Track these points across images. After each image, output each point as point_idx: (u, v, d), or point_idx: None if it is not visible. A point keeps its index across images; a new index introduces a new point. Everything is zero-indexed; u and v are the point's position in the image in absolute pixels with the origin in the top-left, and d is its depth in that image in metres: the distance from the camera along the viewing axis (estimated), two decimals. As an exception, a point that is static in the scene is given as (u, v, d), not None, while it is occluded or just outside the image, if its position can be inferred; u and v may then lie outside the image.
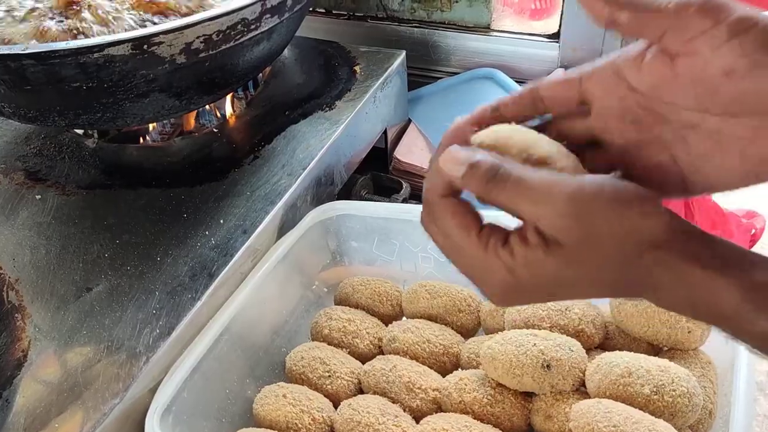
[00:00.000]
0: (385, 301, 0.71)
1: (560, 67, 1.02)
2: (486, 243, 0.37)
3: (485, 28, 1.06)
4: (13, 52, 0.61)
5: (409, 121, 1.01)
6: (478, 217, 0.39)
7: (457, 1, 1.05)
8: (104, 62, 0.64)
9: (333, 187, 0.85)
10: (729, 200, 1.15)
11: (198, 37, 0.67)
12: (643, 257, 0.35)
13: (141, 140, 0.86)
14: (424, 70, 1.11)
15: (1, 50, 0.62)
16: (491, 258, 0.37)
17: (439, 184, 0.39)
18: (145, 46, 0.64)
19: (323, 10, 1.14)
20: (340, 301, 0.73)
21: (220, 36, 0.68)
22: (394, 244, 0.74)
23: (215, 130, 0.86)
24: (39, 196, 0.77)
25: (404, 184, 0.92)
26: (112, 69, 0.65)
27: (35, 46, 0.62)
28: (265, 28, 0.72)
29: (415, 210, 0.76)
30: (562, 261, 0.36)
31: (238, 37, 0.70)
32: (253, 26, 0.71)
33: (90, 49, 0.62)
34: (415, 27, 1.09)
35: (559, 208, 0.35)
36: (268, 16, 0.71)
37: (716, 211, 1.09)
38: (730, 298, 0.34)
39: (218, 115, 0.89)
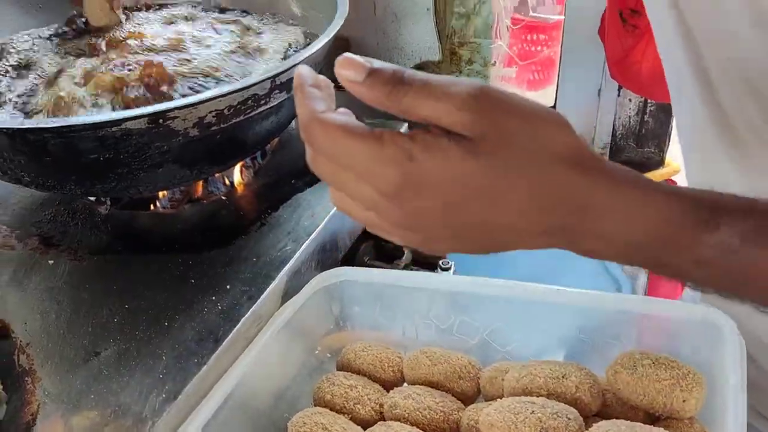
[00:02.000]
0: (387, 367, 0.72)
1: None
2: (380, 136, 0.35)
3: (484, 101, 1.10)
4: (34, 126, 0.65)
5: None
6: (364, 125, 0.36)
7: (457, 75, 1.10)
8: (122, 135, 0.67)
9: (337, 253, 0.87)
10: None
11: (210, 112, 0.70)
12: (568, 174, 0.33)
13: (151, 207, 0.89)
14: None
15: (24, 124, 0.65)
16: (387, 148, 0.34)
17: (312, 104, 0.37)
18: (161, 120, 0.68)
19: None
20: (343, 367, 0.74)
21: (231, 110, 0.72)
22: (396, 310, 0.76)
23: (223, 197, 0.89)
24: (51, 261, 0.79)
25: (405, 251, 0.95)
26: (128, 141, 0.68)
27: (56, 121, 0.66)
28: (274, 103, 0.76)
29: (416, 277, 0.78)
30: (468, 153, 0.32)
31: (248, 111, 0.74)
32: (262, 101, 0.75)
33: (109, 124, 0.66)
34: (417, 99, 1.14)
35: (462, 101, 0.32)
36: (277, 91, 0.76)
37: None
38: (671, 213, 0.33)
39: (227, 182, 0.92)
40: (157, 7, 1.01)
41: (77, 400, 0.62)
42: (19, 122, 0.65)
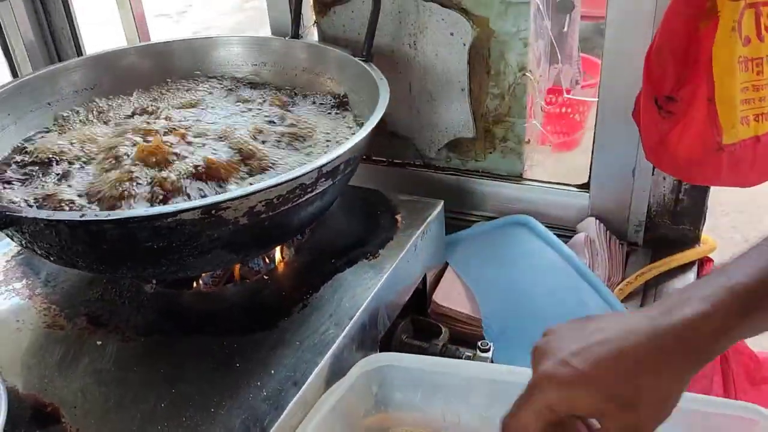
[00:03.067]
0: (430, 454, 0.72)
1: (591, 215, 1.07)
2: None
3: (518, 177, 1.12)
4: (95, 218, 0.67)
5: (446, 264, 1.06)
6: None
7: (491, 152, 1.12)
8: (176, 225, 0.70)
9: (377, 332, 0.88)
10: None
11: (260, 202, 0.73)
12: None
13: (194, 285, 0.91)
14: (459, 213, 1.16)
15: (85, 216, 0.68)
16: None
17: None
18: (213, 211, 0.70)
19: (365, 157, 1.22)
20: (385, 453, 0.74)
21: (280, 199, 0.75)
22: (437, 395, 0.76)
23: (265, 276, 0.91)
24: (99, 342, 0.81)
25: (443, 329, 0.95)
26: (181, 231, 0.71)
27: (115, 213, 0.69)
28: (320, 190, 0.79)
29: (458, 365, 0.78)
30: None
31: (296, 199, 0.76)
32: (309, 189, 0.77)
33: (165, 216, 0.68)
34: (451, 175, 1.16)
35: None
36: (323, 180, 0.78)
37: (750, 357, 1.09)
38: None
39: (267, 260, 0.94)
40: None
41: (128, 490, 0.63)
42: (80, 215, 0.68)
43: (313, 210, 0.82)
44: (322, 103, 1.01)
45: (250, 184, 0.80)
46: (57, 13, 1.24)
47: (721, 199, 2.98)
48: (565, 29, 1.56)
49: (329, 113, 0.99)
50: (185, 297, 0.89)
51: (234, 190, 0.76)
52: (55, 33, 1.25)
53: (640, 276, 0.99)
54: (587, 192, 1.07)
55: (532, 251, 1.01)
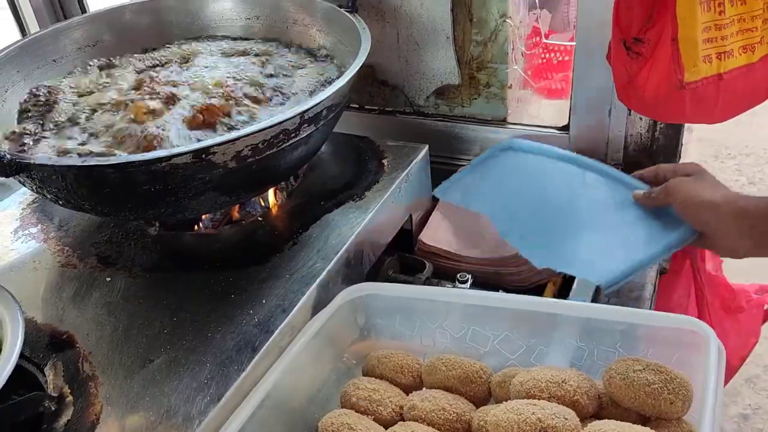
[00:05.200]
0: (407, 372, 0.80)
1: (571, 155, 1.12)
2: None
3: (502, 121, 1.17)
4: (96, 164, 0.74)
5: (434, 206, 1.12)
6: None
7: (476, 98, 1.17)
8: (170, 169, 0.76)
9: (362, 267, 0.95)
10: (738, 275, 1.21)
11: (247, 146, 0.79)
12: None
13: (195, 227, 0.99)
14: (448, 158, 1.22)
15: (87, 162, 0.75)
16: None
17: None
18: (203, 155, 0.77)
19: (357, 106, 1.27)
20: (367, 373, 0.82)
21: (265, 144, 0.81)
22: (416, 321, 0.84)
23: (260, 218, 0.98)
24: (109, 279, 0.89)
25: (427, 265, 1.02)
26: (175, 174, 0.77)
27: (114, 158, 0.76)
28: (303, 135, 0.85)
29: (432, 292, 0.85)
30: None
31: (280, 144, 0.82)
32: (293, 134, 0.83)
33: (159, 160, 0.75)
34: (439, 120, 1.21)
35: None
36: (305, 125, 0.84)
37: (726, 288, 1.15)
38: None
39: (262, 204, 1.01)
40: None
41: (135, 402, 0.71)
42: (82, 160, 0.75)
43: (299, 154, 0.89)
44: (308, 54, 1.06)
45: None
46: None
47: (727, 142, 2.99)
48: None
49: (314, 63, 1.04)
50: (186, 238, 0.97)
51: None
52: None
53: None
54: (567, 133, 1.12)
55: (527, 164, 0.97)
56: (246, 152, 0.80)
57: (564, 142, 1.12)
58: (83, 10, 1.31)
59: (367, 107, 1.27)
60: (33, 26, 1.27)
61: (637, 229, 0.81)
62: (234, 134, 0.77)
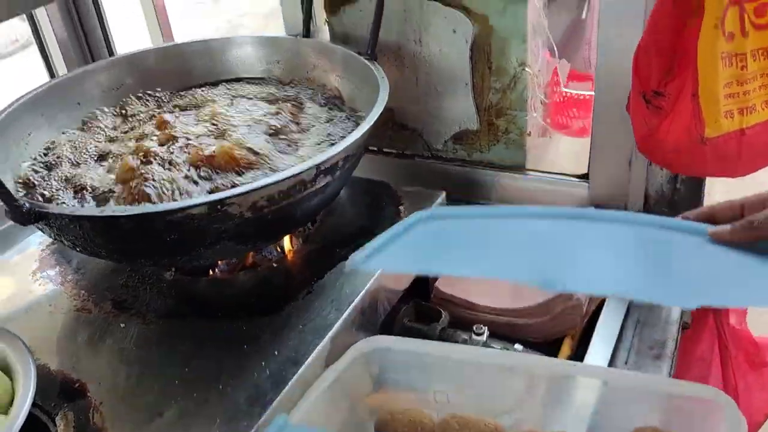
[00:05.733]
0: (419, 430, 0.78)
1: (591, 205, 1.10)
2: None
3: (520, 168, 1.16)
4: (114, 214, 0.75)
5: (450, 252, 1.11)
6: None
7: (494, 144, 1.16)
8: (185, 219, 0.77)
9: (377, 316, 0.94)
10: (763, 328, 1.18)
11: (263, 197, 0.79)
12: None
13: (211, 272, 0.99)
14: (465, 203, 1.21)
15: (104, 212, 0.75)
16: None
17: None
18: (219, 206, 0.77)
19: (375, 149, 1.27)
20: (379, 428, 0.80)
21: (281, 194, 0.81)
22: (430, 376, 0.82)
23: (275, 264, 0.97)
24: (123, 325, 0.89)
25: (443, 313, 1.01)
26: (191, 224, 0.78)
27: (133, 209, 0.76)
28: (320, 185, 0.85)
29: (448, 348, 0.84)
30: None
31: (297, 194, 0.82)
32: (309, 185, 0.83)
33: (175, 211, 0.75)
34: (457, 165, 1.21)
35: None
36: (322, 176, 0.84)
37: (750, 341, 1.12)
38: None
39: (278, 249, 1.01)
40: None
41: (143, 456, 0.71)
42: (100, 210, 0.76)
43: (315, 203, 0.89)
44: (326, 101, 1.07)
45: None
46: (88, 14, 1.31)
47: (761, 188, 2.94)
48: (584, 16, 1.58)
49: (331, 110, 1.04)
50: (201, 283, 0.97)
51: (239, 186, 0.82)
52: (87, 33, 1.33)
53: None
54: (587, 182, 1.11)
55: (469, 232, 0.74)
56: (262, 203, 0.80)
57: (583, 191, 1.11)
58: (110, 53, 1.33)
59: (385, 150, 1.27)
60: (61, 68, 1.30)
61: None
62: (250, 186, 0.77)
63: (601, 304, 0.99)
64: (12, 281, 1.00)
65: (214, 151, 0.88)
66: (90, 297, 0.94)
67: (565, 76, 1.12)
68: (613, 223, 0.68)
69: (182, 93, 1.12)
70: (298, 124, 1.00)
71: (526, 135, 1.13)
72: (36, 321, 0.92)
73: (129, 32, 1.94)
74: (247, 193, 0.77)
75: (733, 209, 0.65)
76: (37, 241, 1.07)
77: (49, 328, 0.91)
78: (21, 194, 0.89)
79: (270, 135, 0.94)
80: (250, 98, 1.08)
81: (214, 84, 1.14)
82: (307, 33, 1.14)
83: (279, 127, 0.98)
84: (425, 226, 0.76)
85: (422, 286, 1.07)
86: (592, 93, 1.05)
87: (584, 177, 1.11)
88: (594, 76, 1.03)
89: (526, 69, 1.07)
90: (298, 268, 0.97)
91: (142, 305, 0.92)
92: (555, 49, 1.11)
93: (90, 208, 0.78)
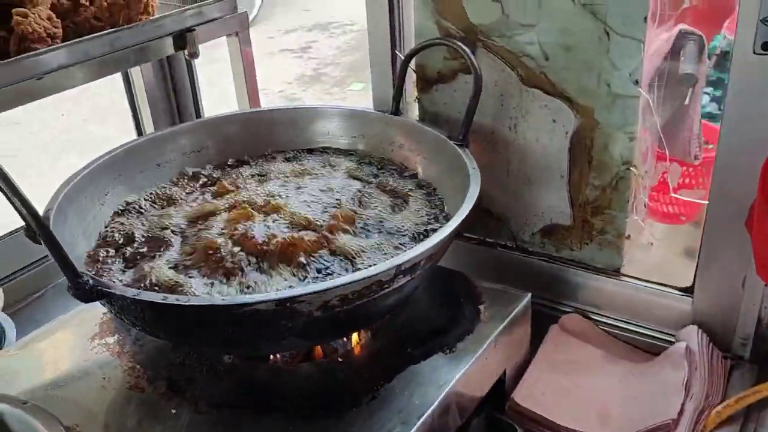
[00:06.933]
0: None
1: (693, 323, 0.99)
2: None
3: (615, 272, 1.06)
4: (177, 303, 0.70)
5: (530, 358, 1.01)
6: None
7: (587, 243, 1.07)
8: (251, 314, 0.71)
9: (447, 429, 0.85)
10: None
11: (336, 297, 0.73)
12: None
13: (271, 358, 0.92)
14: (549, 302, 1.11)
15: (167, 299, 0.70)
16: None
17: None
18: (288, 304, 0.71)
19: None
20: None
21: (355, 295, 0.74)
22: None
23: (340, 359, 0.90)
24: (174, 411, 0.83)
25: (517, 429, 0.91)
26: (256, 319, 0.72)
27: (197, 299, 0.71)
28: (397, 286, 0.78)
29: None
30: None
31: (372, 294, 0.76)
32: (386, 285, 0.76)
33: (240, 306, 0.69)
34: (544, 261, 1.12)
35: None
36: (401, 276, 0.77)
37: None
38: None
39: (344, 342, 0.94)
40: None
41: None
42: (162, 297, 0.71)
43: (391, 303, 0.82)
44: (411, 187, 1.01)
45: (328, 272, 0.80)
46: (181, 76, 1.31)
47: None
48: (687, 102, 1.48)
49: (418, 196, 0.98)
50: (260, 371, 0.90)
51: (310, 284, 0.76)
52: (178, 93, 1.32)
53: (741, 399, 0.90)
54: (690, 297, 0.99)
55: None
56: (334, 302, 0.73)
57: (686, 306, 1.00)
58: (198, 114, 1.32)
59: (466, 235, 1.19)
60: (148, 125, 1.29)
61: None
62: (323, 285, 0.71)
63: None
64: (70, 343, 0.97)
65: (289, 240, 0.83)
66: (145, 374, 0.89)
67: (675, 181, 1.02)
68: None
69: (263, 162, 1.08)
70: (382, 208, 0.94)
71: (624, 238, 1.03)
72: (86, 393, 0.87)
73: (218, 93, 1.96)
74: (319, 292, 0.71)
75: None
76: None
77: (98, 402, 0.86)
78: (89, 261, 0.86)
79: (349, 223, 0.88)
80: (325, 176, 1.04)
81: (295, 154, 1.10)
82: (396, 110, 1.09)
83: (358, 210, 0.92)
84: None
85: (497, 390, 0.97)
86: (704, 202, 0.94)
87: (688, 291, 1.00)
88: (709, 180, 0.92)
89: (632, 168, 0.98)
90: (363, 367, 0.89)
91: (196, 389, 0.86)
92: (666, 149, 1.02)
93: (153, 294, 0.74)
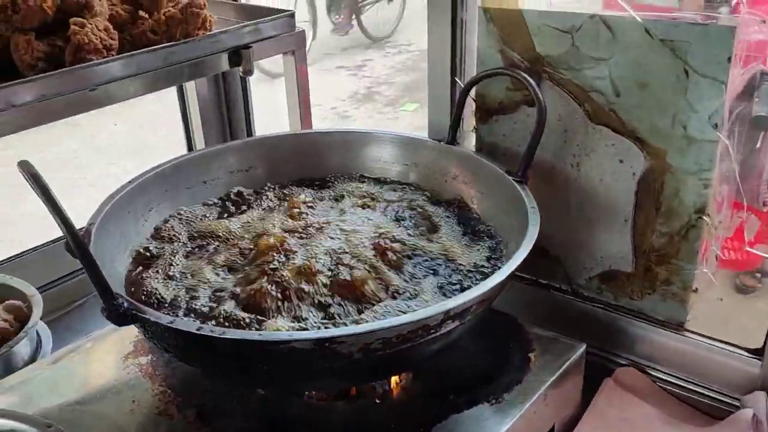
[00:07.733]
0: None
1: (762, 389, 0.91)
2: None
3: (678, 326, 0.99)
4: (211, 335, 0.66)
5: (582, 411, 0.94)
6: None
7: (649, 293, 1.00)
8: (287, 351, 0.67)
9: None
10: None
11: (378, 339, 0.68)
12: None
13: (305, 394, 0.88)
14: (604, 353, 1.04)
15: (201, 330, 0.67)
16: None
17: None
18: (327, 344, 0.66)
19: (507, 271, 1.14)
20: None
21: (399, 339, 0.69)
22: None
23: (377, 400, 0.85)
24: (201, 443, 0.80)
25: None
26: (293, 357, 0.67)
27: (231, 332, 0.67)
28: (445, 331, 0.73)
29: None
30: None
31: (417, 339, 0.71)
32: (432, 330, 0.71)
33: (277, 342, 0.65)
34: (599, 308, 1.05)
35: None
36: (450, 321, 0.72)
37: None
38: None
39: (383, 382, 0.89)
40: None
41: None
42: (197, 327, 0.67)
43: (436, 348, 0.76)
44: (465, 221, 0.96)
45: (374, 312, 0.76)
46: (235, 92, 1.29)
47: None
48: (759, 145, 1.40)
49: (470, 234, 0.93)
50: (293, 407, 0.86)
51: (351, 325, 0.72)
52: (231, 110, 1.30)
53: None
54: (760, 360, 0.91)
55: None
56: (376, 345, 0.68)
57: (755, 370, 0.92)
58: (249, 133, 1.30)
59: (518, 274, 1.13)
60: (200, 142, 1.28)
61: None
62: (366, 327, 0.67)
63: None
64: (103, 360, 0.95)
65: (345, 278, 0.79)
66: (175, 400, 0.86)
67: (752, 234, 0.94)
68: None
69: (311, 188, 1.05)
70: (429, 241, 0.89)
71: (690, 290, 0.96)
72: (115, 414, 0.84)
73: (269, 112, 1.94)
74: (361, 334, 0.66)
75: None
76: (137, 318, 1.01)
77: (126, 425, 0.83)
78: (124, 286, 0.84)
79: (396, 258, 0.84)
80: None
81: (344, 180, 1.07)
82: (452, 140, 1.04)
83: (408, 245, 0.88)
84: None
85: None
86: (786, 260, 0.87)
87: (758, 353, 0.92)
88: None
89: (704, 217, 0.91)
90: (403, 410, 0.84)
91: (225, 421, 0.82)
92: (744, 200, 0.94)
93: (187, 323, 0.70)
